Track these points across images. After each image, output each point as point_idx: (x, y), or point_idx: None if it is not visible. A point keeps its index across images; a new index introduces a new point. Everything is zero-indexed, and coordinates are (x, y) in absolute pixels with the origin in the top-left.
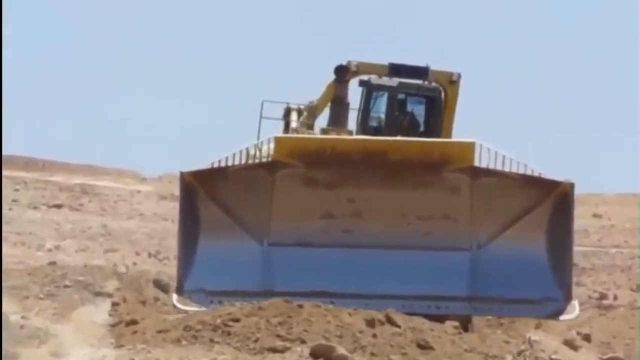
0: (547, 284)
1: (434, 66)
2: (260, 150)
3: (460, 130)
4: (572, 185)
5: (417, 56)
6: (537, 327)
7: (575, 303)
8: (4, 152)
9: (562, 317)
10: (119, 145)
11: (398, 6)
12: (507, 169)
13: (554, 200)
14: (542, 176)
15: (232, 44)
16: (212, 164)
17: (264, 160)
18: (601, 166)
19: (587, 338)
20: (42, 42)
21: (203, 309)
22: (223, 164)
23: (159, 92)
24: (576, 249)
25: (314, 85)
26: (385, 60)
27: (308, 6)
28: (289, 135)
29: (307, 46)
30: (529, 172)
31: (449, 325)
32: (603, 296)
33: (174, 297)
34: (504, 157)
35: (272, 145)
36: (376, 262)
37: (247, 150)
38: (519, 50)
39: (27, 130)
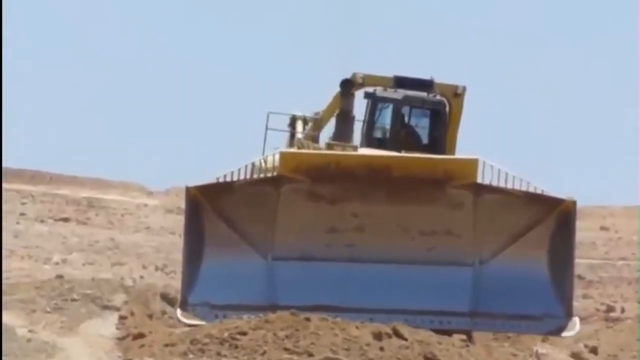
0: (548, 301)
1: (439, 79)
2: (265, 163)
3: (465, 143)
4: (574, 203)
5: (422, 69)
6: (544, 340)
7: (576, 319)
8: (10, 166)
9: (563, 334)
10: (126, 158)
11: (404, 19)
12: (510, 186)
13: (556, 218)
14: (545, 194)
15: (238, 56)
16: (218, 178)
17: (269, 174)
18: (608, 179)
19: (594, 351)
20: (48, 56)
21: (208, 321)
22: (228, 179)
23: (165, 105)
24: (583, 261)
25: (320, 95)
26: (390, 72)
27: (314, 17)
28: (294, 150)
29: (313, 58)
30: (531, 190)
31: (456, 338)
32: (610, 309)
33: (178, 311)
34: (507, 174)
35: (277, 156)
36: (379, 276)
37: (253, 164)
38: (525, 63)
39: (34, 144)
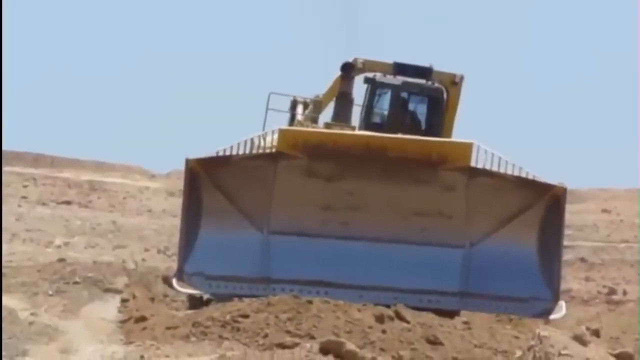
0: (536, 284)
1: (438, 67)
2: (264, 141)
3: (462, 130)
4: (564, 189)
5: (422, 56)
6: (547, 322)
7: (562, 303)
8: (13, 149)
9: (550, 317)
10: (128, 141)
11: (406, 7)
12: (502, 171)
13: (546, 203)
14: (536, 179)
15: (240, 39)
16: (217, 152)
17: (268, 150)
18: (610, 161)
19: (596, 333)
20: (50, 38)
21: (203, 290)
22: (228, 153)
23: (167, 88)
24: (585, 244)
25: (321, 79)
26: (391, 58)
27: (318, 3)
28: (293, 127)
29: (315, 41)
30: (523, 175)
31: (458, 320)
32: (612, 291)
33: (174, 280)
34: (500, 158)
35: (276, 136)
36: (372, 254)
37: (252, 140)
38: (524, 49)
39: (35, 127)
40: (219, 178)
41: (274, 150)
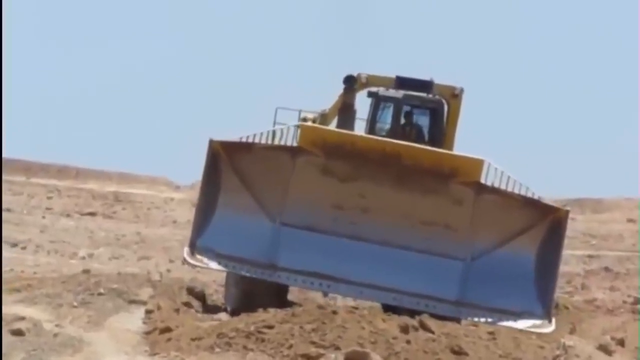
0: (529, 300)
1: (439, 80)
2: (285, 134)
3: (466, 141)
4: (567, 212)
5: (423, 70)
6: (572, 332)
7: (553, 320)
8: (37, 160)
9: (538, 330)
10: (153, 153)
11: (408, 24)
12: (509, 189)
13: (548, 224)
14: (541, 200)
15: (250, 56)
16: (241, 138)
17: (288, 144)
18: (636, 171)
19: (621, 343)
20: (77, 52)
21: (211, 266)
22: (250, 140)
23: (192, 101)
24: (611, 253)
25: (327, 94)
26: (393, 73)
27: (325, 20)
28: (315, 125)
29: (321, 57)
30: (529, 195)
31: (483, 330)
32: (637, 301)
33: (186, 250)
34: (508, 177)
35: (297, 131)
36: (376, 256)
37: (274, 132)
38: (528, 59)
39: (61, 138)
40: (238, 163)
41: (295, 144)
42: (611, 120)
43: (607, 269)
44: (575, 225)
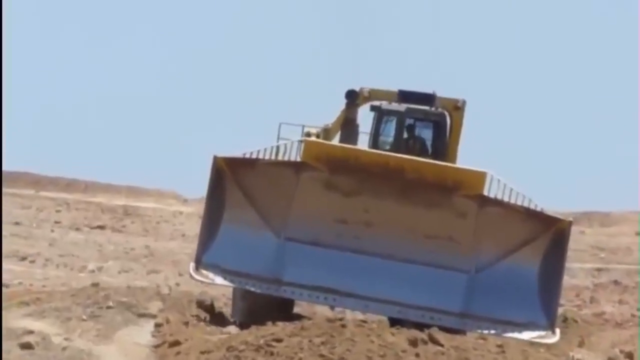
0: (533, 311)
1: (441, 93)
2: (289, 150)
3: (471, 154)
4: (569, 223)
5: (425, 83)
6: (580, 345)
7: (557, 330)
8: (46, 174)
9: (542, 341)
10: (161, 166)
11: (411, 38)
12: (512, 201)
13: (552, 235)
14: (544, 211)
15: (255, 73)
16: (244, 154)
17: (292, 159)
18: None
19: (630, 356)
20: (87, 69)
21: (216, 282)
22: (254, 156)
23: (199, 115)
24: (619, 267)
25: (330, 109)
26: (396, 86)
27: (329, 36)
28: (318, 140)
29: (324, 72)
30: (532, 206)
31: (492, 343)
32: None
33: (192, 266)
34: (511, 189)
35: (301, 147)
36: (380, 269)
37: (278, 147)
38: (533, 65)
39: (69, 152)
40: (243, 178)
41: (298, 159)
42: (619, 134)
43: (616, 282)
44: (583, 239)
